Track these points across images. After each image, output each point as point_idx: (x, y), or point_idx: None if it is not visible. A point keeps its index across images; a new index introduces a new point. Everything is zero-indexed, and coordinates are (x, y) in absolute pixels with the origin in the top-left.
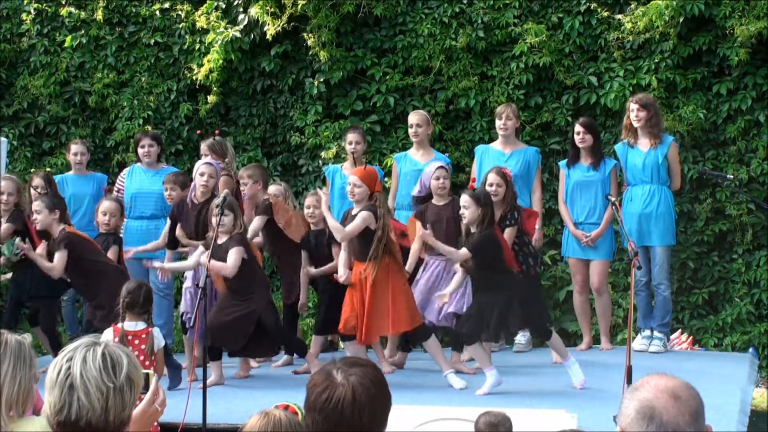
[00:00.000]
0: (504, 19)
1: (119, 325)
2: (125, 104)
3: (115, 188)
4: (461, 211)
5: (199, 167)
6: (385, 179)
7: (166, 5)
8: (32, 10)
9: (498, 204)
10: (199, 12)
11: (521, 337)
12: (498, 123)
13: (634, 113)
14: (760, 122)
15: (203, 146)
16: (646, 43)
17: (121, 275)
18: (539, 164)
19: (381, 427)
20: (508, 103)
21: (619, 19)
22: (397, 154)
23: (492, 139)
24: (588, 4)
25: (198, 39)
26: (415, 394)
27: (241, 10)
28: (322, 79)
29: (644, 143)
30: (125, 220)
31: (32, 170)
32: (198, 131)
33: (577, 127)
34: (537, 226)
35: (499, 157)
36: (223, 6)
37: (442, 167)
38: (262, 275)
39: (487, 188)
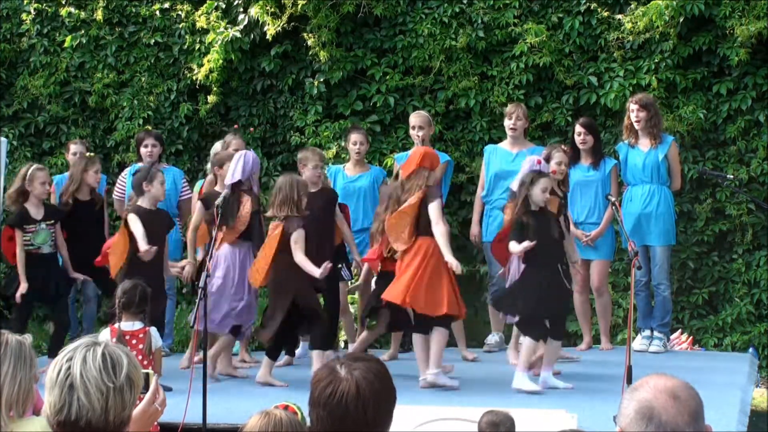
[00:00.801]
0: (504, 19)
1: (116, 325)
2: (125, 104)
3: (116, 188)
4: (543, 194)
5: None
6: (387, 179)
7: (166, 5)
8: (32, 10)
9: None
10: (199, 12)
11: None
12: (507, 122)
13: (634, 113)
14: (760, 122)
15: (237, 141)
16: (646, 43)
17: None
18: None
19: (386, 423)
20: (518, 103)
21: (619, 19)
22: (397, 154)
23: (492, 139)
24: (588, 4)
25: (198, 39)
26: (416, 394)
27: (241, 10)
28: (322, 79)
29: (644, 143)
30: None
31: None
32: (235, 125)
33: (578, 128)
34: None
35: (506, 156)
36: (223, 6)
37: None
38: None
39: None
